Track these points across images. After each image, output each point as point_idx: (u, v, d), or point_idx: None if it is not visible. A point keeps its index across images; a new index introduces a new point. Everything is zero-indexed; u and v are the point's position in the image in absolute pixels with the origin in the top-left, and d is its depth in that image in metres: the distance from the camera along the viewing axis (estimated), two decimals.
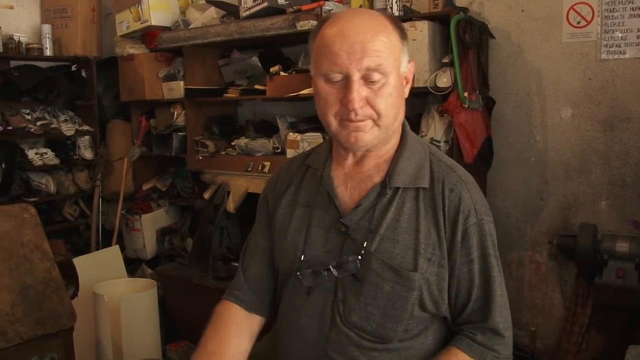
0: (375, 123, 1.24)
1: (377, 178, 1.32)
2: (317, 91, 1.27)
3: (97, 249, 3.97)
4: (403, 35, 1.28)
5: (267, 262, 1.47)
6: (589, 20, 2.81)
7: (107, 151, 4.12)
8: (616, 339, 2.76)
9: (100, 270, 3.43)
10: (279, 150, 3.34)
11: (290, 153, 3.18)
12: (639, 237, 2.62)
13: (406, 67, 1.29)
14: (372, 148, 1.30)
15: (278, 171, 1.52)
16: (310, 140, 3.13)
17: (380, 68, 1.20)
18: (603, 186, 2.86)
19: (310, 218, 1.36)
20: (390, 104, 1.24)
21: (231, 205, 3.32)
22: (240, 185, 3.34)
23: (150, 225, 3.94)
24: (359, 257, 1.26)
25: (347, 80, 1.20)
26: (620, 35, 2.76)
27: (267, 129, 3.51)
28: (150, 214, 3.95)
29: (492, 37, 3.00)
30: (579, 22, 2.83)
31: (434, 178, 1.31)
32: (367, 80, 1.20)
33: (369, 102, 1.22)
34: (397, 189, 1.30)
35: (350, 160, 1.35)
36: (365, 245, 1.27)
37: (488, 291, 1.29)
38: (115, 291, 3.15)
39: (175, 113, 3.74)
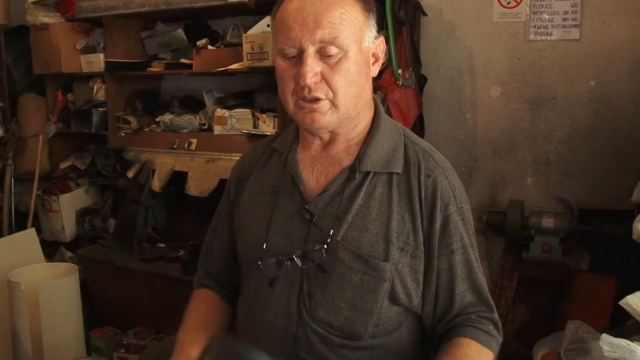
0: (333, 103, 1.14)
1: (346, 162, 1.21)
2: (276, 69, 1.17)
3: (10, 233, 3.66)
4: (367, 7, 1.17)
5: (230, 257, 1.38)
6: (518, 1, 2.78)
7: (19, 127, 3.78)
8: (541, 311, 2.81)
9: (15, 255, 3.14)
10: (206, 127, 3.17)
11: (218, 130, 3.04)
12: (563, 213, 2.66)
13: (372, 42, 1.17)
14: (337, 130, 1.20)
15: (243, 156, 1.42)
16: (239, 116, 3.00)
17: (335, 41, 1.10)
18: (529, 164, 2.87)
19: (274, 205, 1.25)
20: (349, 81, 1.13)
21: (157, 183, 3.12)
22: (165, 163, 3.14)
23: (68, 206, 3.66)
24: (325, 246, 1.15)
25: (301, 55, 1.11)
26: (547, 17, 2.75)
27: (193, 104, 3.32)
28: (68, 194, 3.67)
29: (425, 14, 2.92)
30: (509, 3, 2.80)
31: (409, 163, 1.21)
32: (322, 54, 1.11)
33: (324, 78, 1.11)
34: (368, 173, 1.20)
35: (317, 143, 1.24)
36: (331, 233, 1.16)
37: (475, 282, 1.22)
38: (33, 278, 2.89)
39: (95, 87, 3.47)
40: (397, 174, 1.20)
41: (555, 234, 2.62)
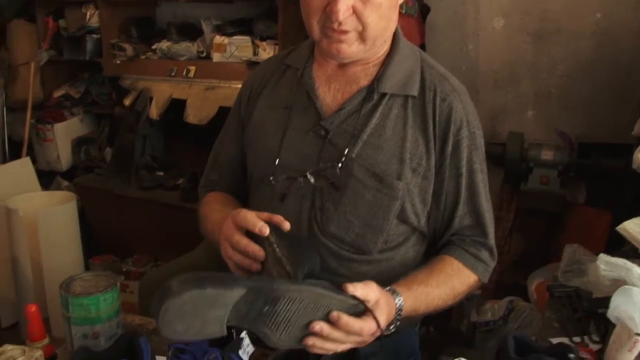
0: (360, 36, 1.13)
1: (364, 82, 1.21)
2: None
3: (5, 162, 3.65)
4: None
5: (238, 172, 1.38)
6: None
7: (8, 55, 3.71)
8: (536, 242, 2.87)
9: (10, 184, 3.11)
10: (204, 55, 3.12)
11: (217, 57, 3.00)
12: (562, 146, 2.67)
13: None
14: (358, 60, 1.19)
15: (254, 71, 1.40)
16: (238, 44, 2.95)
17: None
18: (530, 96, 2.86)
19: (287, 120, 1.24)
20: (380, 15, 1.12)
21: (154, 111, 3.10)
22: (163, 91, 3.11)
23: (63, 135, 3.63)
24: (340, 164, 1.16)
25: None
26: None
27: (191, 32, 3.25)
28: (63, 122, 3.63)
29: None
30: None
31: (425, 86, 1.21)
32: None
33: (355, 12, 1.10)
34: (384, 95, 1.20)
35: (334, 62, 1.23)
36: (346, 151, 1.17)
37: (476, 207, 1.24)
38: (31, 205, 2.87)
39: (88, 13, 3.37)
40: (413, 97, 1.20)
41: (554, 166, 2.64)
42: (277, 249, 0.98)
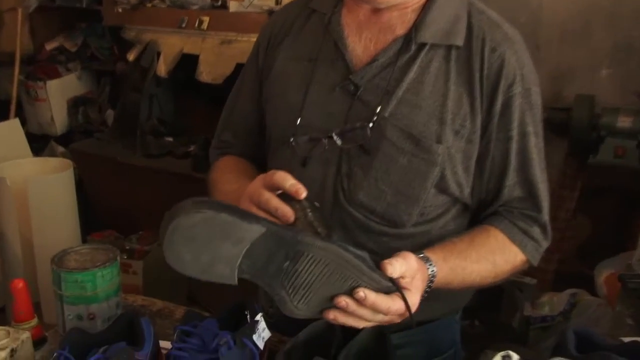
0: None
1: (401, 30, 1.20)
2: None
3: None
4: None
5: (255, 132, 1.40)
6: None
7: None
8: (606, 226, 2.84)
9: None
10: (219, 4, 3.12)
11: (233, 6, 3.01)
12: None
13: None
14: (395, 4, 1.19)
15: (274, 16, 1.40)
16: None
17: None
18: (606, 51, 2.80)
19: (312, 74, 1.24)
20: None
21: (162, 68, 3.13)
22: (172, 44, 3.14)
23: (58, 94, 3.71)
24: (370, 124, 1.16)
25: None
26: None
27: None
28: (57, 79, 3.70)
29: None
30: None
31: (472, 35, 1.19)
32: None
33: None
34: (423, 45, 1.18)
35: (366, 7, 1.22)
36: (378, 109, 1.17)
37: (528, 176, 1.23)
38: (20, 173, 2.93)
39: None
40: (457, 47, 1.19)
41: (632, 135, 2.57)
42: (310, 214, 1.00)
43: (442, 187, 1.21)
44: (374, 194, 1.20)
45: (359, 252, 0.94)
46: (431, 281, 1.07)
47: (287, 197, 1.01)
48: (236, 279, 0.91)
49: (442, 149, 1.17)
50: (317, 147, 1.21)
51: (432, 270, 1.07)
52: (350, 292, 0.93)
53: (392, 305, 0.96)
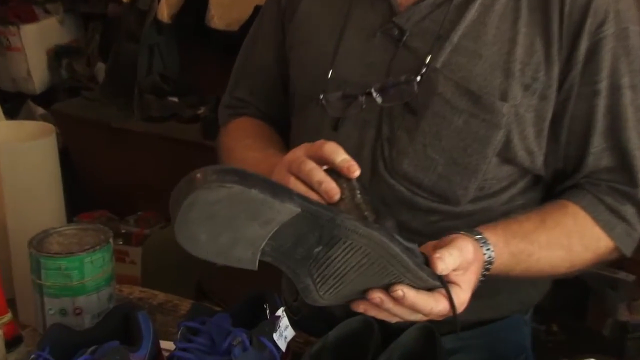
0: None
1: None
2: None
3: None
4: None
5: (277, 87, 1.42)
6: None
7: None
8: None
9: None
10: None
11: None
12: None
13: None
14: None
15: None
16: None
17: None
18: None
19: (346, 16, 1.26)
20: None
21: (164, 11, 3.16)
22: None
23: (36, 43, 3.74)
24: (418, 76, 1.17)
25: None
26: None
27: None
28: (34, 24, 3.73)
29: None
30: None
31: None
32: None
33: None
34: None
35: None
36: (428, 59, 1.17)
37: (621, 141, 1.20)
38: None
39: None
40: None
41: None
42: (359, 196, 1.00)
43: (507, 155, 1.21)
44: (421, 163, 1.21)
45: (408, 244, 0.94)
46: (487, 269, 1.08)
47: (333, 173, 1.01)
48: (257, 263, 0.91)
49: (507, 108, 1.17)
50: (352, 106, 1.22)
51: (490, 256, 1.07)
52: (388, 287, 0.95)
53: (435, 307, 0.97)
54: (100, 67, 3.64)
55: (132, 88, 3.28)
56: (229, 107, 1.50)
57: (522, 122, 1.19)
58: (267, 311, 1.13)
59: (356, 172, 0.99)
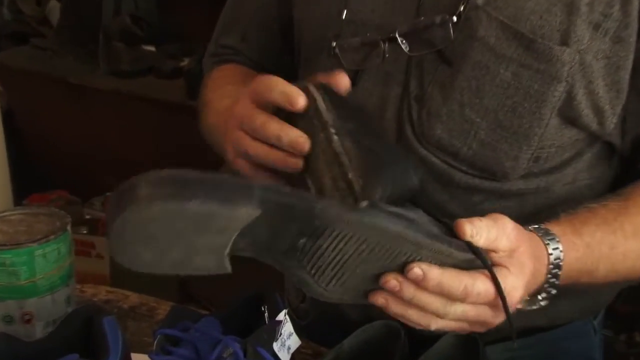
0: None
1: None
2: None
3: None
4: None
5: (276, 32, 1.45)
6: None
7: None
8: None
9: None
10: None
11: None
12: None
13: None
14: None
15: None
16: None
17: None
18: None
19: None
20: None
21: None
22: None
23: None
24: (454, 17, 1.18)
25: None
26: None
27: None
28: None
29: None
30: None
31: None
32: None
33: None
34: None
35: None
36: None
37: None
38: None
39: None
40: None
41: None
42: (336, 137, 0.98)
43: (569, 116, 1.21)
44: (458, 127, 1.21)
45: (411, 213, 0.95)
46: (555, 267, 1.07)
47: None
48: (228, 266, 0.92)
49: (570, 54, 1.17)
50: (372, 56, 1.23)
51: (556, 252, 1.07)
52: (405, 268, 0.95)
53: (472, 284, 0.95)
54: (54, 7, 3.65)
55: (96, 33, 3.30)
56: (215, 56, 1.54)
57: (589, 71, 1.19)
58: (266, 315, 1.15)
59: (299, 103, 1.00)
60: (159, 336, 1.10)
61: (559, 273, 1.07)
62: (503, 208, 1.17)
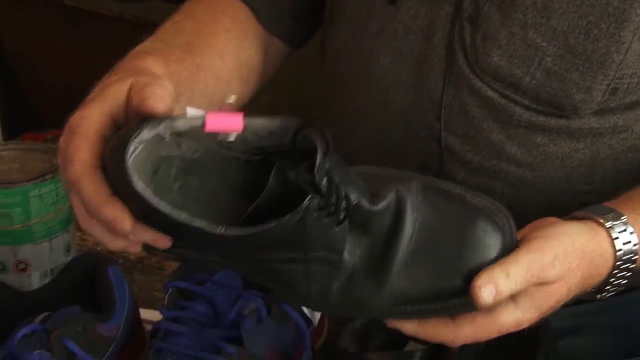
0: None
1: None
2: None
3: None
4: None
5: None
6: None
7: None
8: None
9: None
10: None
11: None
12: None
13: None
14: None
15: None
16: None
17: None
18: None
19: None
20: None
21: None
22: None
23: None
24: None
25: None
26: None
27: None
28: None
29: None
30: None
31: None
32: None
33: None
34: None
35: None
36: None
37: None
38: None
39: None
40: None
41: None
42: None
43: None
44: (520, 52, 1.20)
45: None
46: (630, 262, 1.02)
47: None
48: None
49: None
50: None
51: (628, 241, 1.01)
52: None
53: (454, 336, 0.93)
54: None
55: None
56: None
57: None
58: None
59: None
60: (170, 289, 1.09)
61: (634, 262, 1.02)
62: (572, 151, 1.20)
